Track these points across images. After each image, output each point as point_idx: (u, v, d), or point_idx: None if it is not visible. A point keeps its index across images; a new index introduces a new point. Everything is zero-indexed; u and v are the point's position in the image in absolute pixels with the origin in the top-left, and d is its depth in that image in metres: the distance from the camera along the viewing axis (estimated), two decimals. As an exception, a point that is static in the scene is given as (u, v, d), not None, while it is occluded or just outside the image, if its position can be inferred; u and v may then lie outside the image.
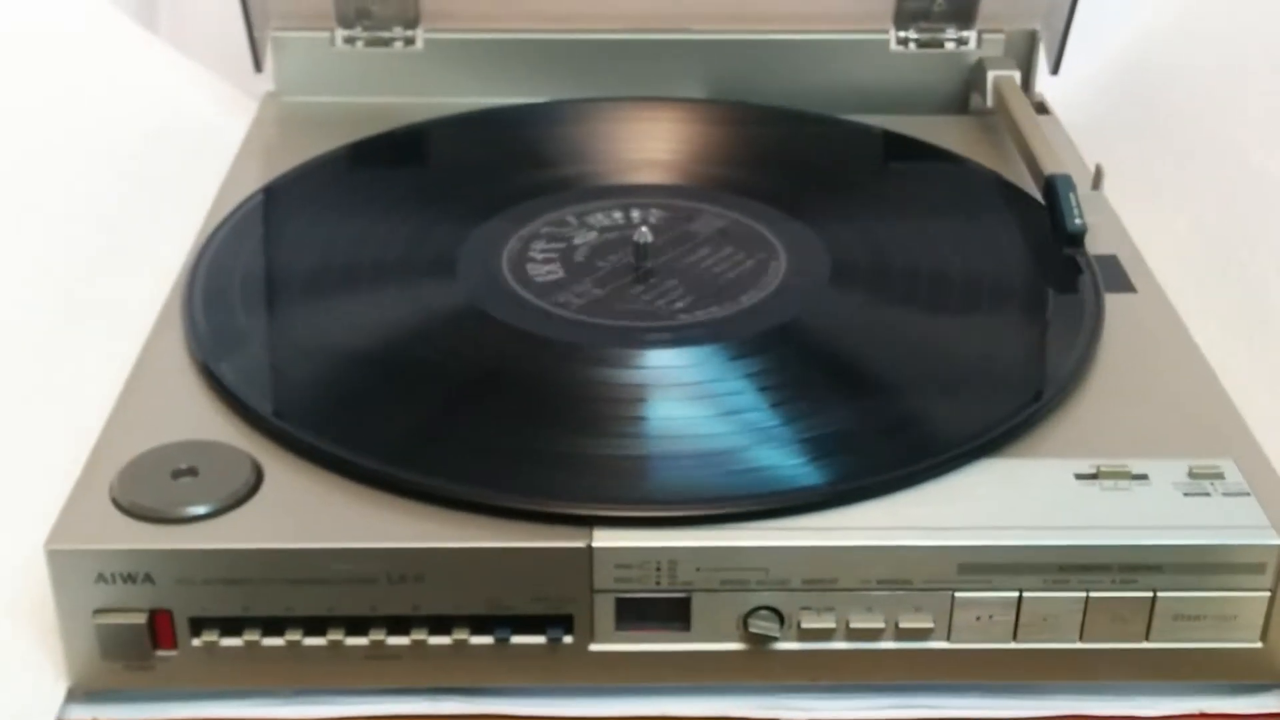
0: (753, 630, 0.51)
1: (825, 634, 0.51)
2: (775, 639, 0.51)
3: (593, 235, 0.68)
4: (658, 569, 0.50)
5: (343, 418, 0.55)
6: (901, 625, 0.51)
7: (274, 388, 0.58)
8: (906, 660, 0.52)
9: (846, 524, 0.51)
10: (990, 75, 0.82)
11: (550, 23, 0.84)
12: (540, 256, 0.66)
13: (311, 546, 0.49)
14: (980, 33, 0.84)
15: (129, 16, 0.87)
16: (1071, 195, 0.67)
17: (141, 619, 0.50)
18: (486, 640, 0.51)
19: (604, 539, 0.50)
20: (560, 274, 0.64)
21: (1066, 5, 0.82)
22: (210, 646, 0.51)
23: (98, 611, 0.50)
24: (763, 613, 0.51)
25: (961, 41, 0.84)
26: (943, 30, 0.84)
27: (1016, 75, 0.81)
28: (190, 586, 0.50)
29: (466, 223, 0.68)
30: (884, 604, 0.51)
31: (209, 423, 0.56)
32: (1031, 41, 0.84)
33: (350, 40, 0.84)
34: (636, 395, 0.57)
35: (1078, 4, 0.81)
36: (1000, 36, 0.84)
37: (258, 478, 0.52)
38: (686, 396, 0.57)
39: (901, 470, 0.52)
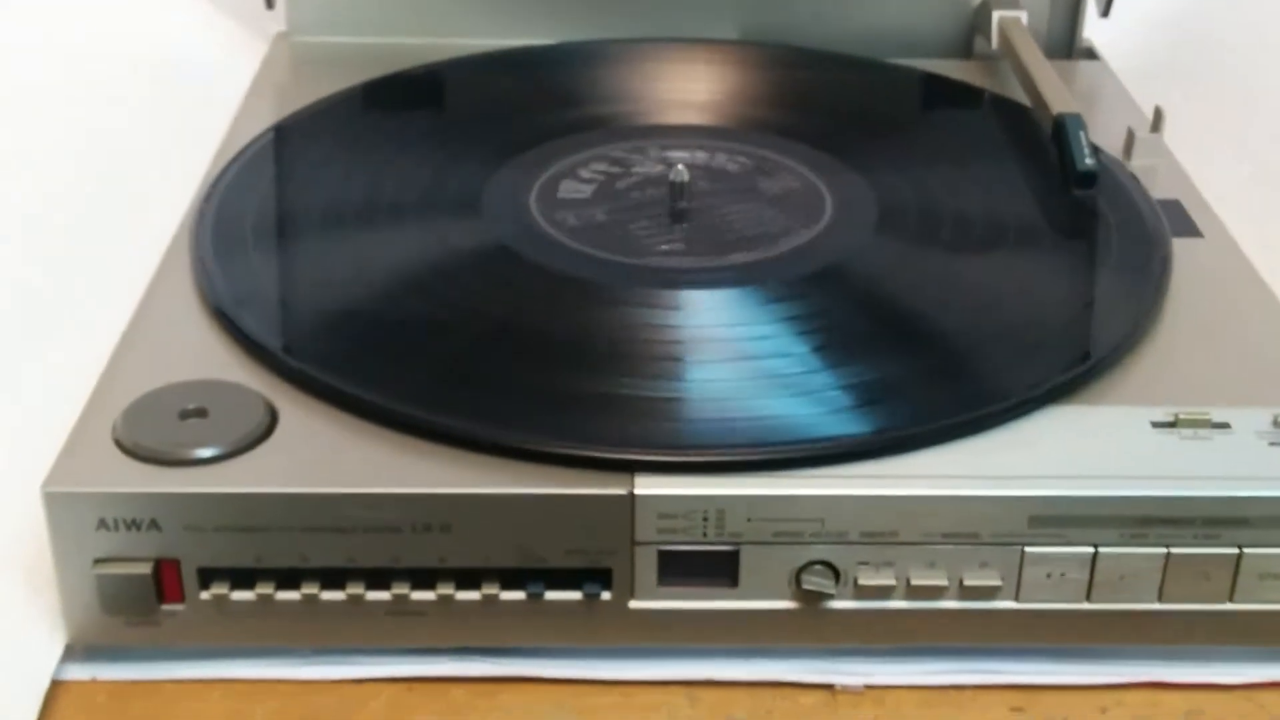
0: (806, 587, 0.47)
1: (884, 592, 0.47)
2: (830, 597, 0.47)
3: (628, 173, 0.64)
4: (704, 519, 0.46)
5: (363, 359, 0.51)
6: (966, 583, 0.47)
7: (289, 327, 0.54)
8: (971, 621, 0.48)
9: (908, 472, 0.47)
10: (995, 16, 0.78)
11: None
12: (572, 196, 0.62)
13: (330, 491, 0.46)
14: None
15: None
16: (1082, 134, 0.64)
17: (146, 569, 0.47)
18: (518, 596, 0.47)
19: (646, 486, 0.46)
20: (594, 213, 0.60)
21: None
22: (220, 600, 0.47)
23: (98, 561, 0.46)
24: (817, 568, 0.47)
25: (1001, -20, 0.79)
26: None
27: (1023, 15, 0.77)
28: (199, 534, 0.46)
29: (491, 161, 0.64)
30: (948, 560, 0.47)
31: (220, 363, 0.52)
32: (1077, -19, 0.80)
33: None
34: (679, 337, 0.53)
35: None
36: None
37: (272, 420, 0.49)
38: (735, 338, 0.53)
39: (965, 415, 0.48)
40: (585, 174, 0.64)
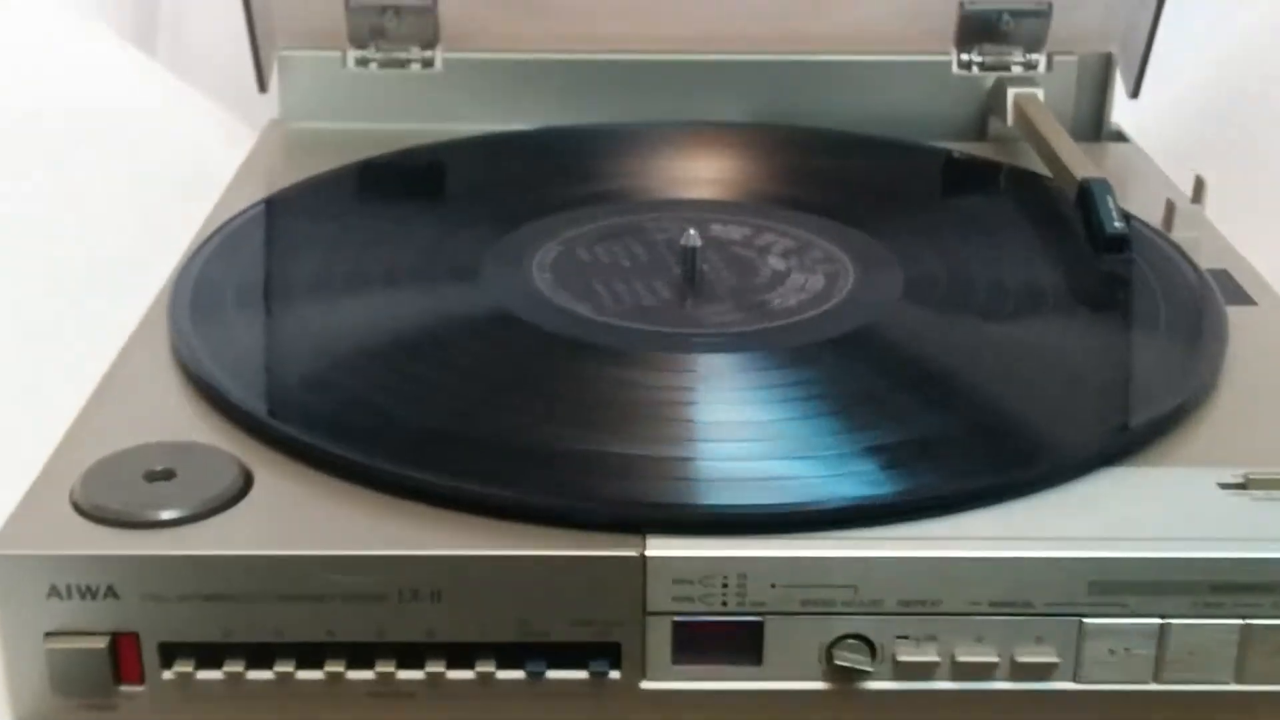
0: (838, 664, 0.42)
1: (926, 670, 0.42)
2: (866, 675, 0.42)
3: (640, 242, 0.60)
4: (724, 586, 0.41)
5: (347, 420, 0.47)
6: (1019, 659, 0.42)
7: (270, 389, 0.50)
8: (1025, 704, 0.43)
9: (952, 534, 0.42)
10: (1010, 93, 0.74)
11: (580, 44, 0.77)
12: (578, 261, 0.58)
13: (307, 554, 0.41)
14: (1051, 56, 0.77)
15: (126, 38, 0.80)
16: (1109, 198, 0.60)
17: (102, 644, 0.42)
18: (516, 675, 0.42)
19: (659, 547, 0.41)
20: (604, 278, 0.56)
21: (1147, 25, 0.75)
22: (184, 679, 0.42)
23: (50, 635, 0.42)
24: (850, 643, 0.42)
25: (1030, 65, 0.77)
26: (1010, 54, 0.77)
27: (1039, 92, 0.74)
28: (160, 604, 0.41)
29: (491, 232, 0.60)
30: (997, 633, 0.42)
31: (192, 427, 0.47)
32: (1106, 65, 0.77)
33: (363, 62, 0.77)
34: (694, 399, 0.49)
35: (1159, 24, 0.74)
36: (1073, 59, 0.77)
37: (246, 483, 0.44)
38: (755, 401, 0.48)
39: (1013, 476, 0.44)
40: (593, 244, 0.60)
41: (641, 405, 0.48)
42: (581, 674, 0.43)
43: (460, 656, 0.42)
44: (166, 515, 0.43)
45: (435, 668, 0.42)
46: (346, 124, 0.76)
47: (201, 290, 0.55)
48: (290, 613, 0.41)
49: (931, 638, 0.42)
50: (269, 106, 0.78)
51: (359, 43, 0.78)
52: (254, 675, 0.42)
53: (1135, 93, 0.76)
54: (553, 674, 0.43)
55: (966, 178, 0.72)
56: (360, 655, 0.42)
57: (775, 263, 0.58)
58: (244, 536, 0.42)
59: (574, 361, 0.51)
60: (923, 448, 0.46)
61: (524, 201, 0.64)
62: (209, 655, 0.42)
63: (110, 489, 0.43)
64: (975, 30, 0.78)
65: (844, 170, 0.70)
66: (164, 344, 0.53)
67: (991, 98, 0.77)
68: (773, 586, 0.42)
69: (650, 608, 0.42)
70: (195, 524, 0.42)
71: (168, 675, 0.42)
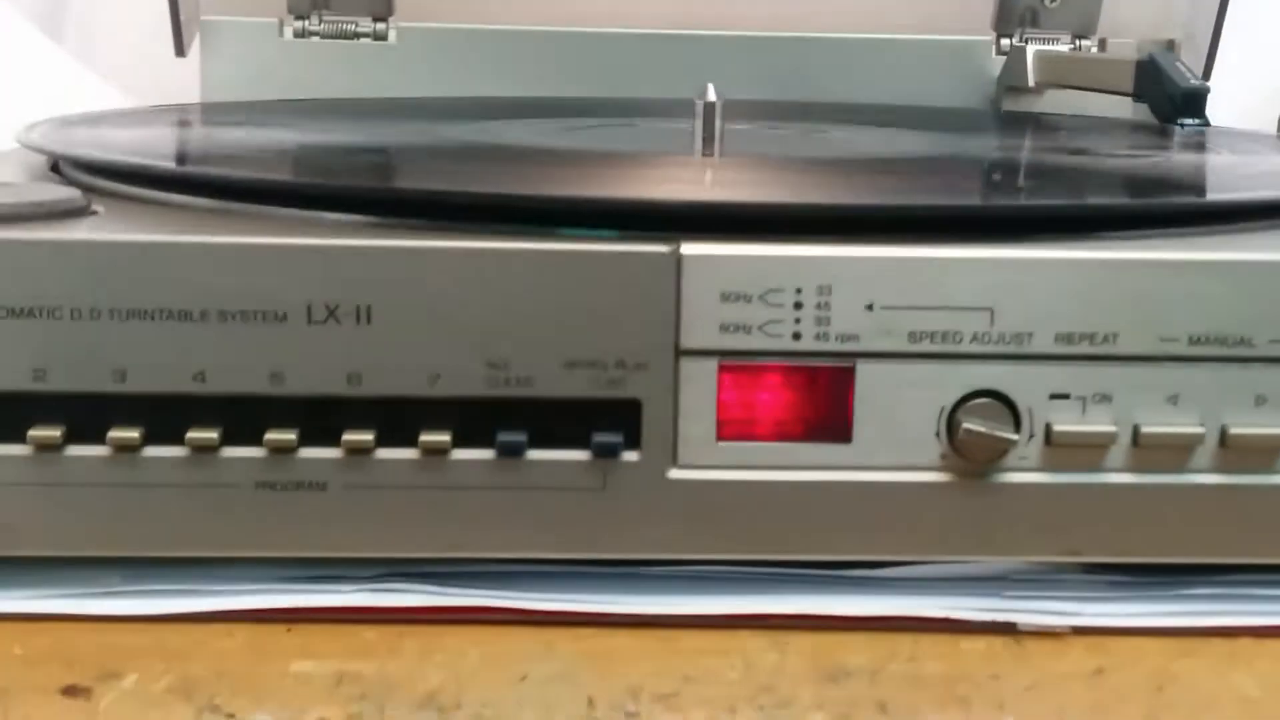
0: (965, 435, 0.27)
1: (1098, 445, 0.28)
2: (1004, 451, 0.28)
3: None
4: (796, 305, 0.27)
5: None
6: (1233, 432, 0.28)
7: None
8: (1244, 503, 0.28)
9: (1135, 240, 0.28)
10: (1030, 50, 0.64)
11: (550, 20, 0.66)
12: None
13: (170, 240, 0.27)
14: (1103, 40, 0.66)
15: (32, 22, 0.69)
16: (1178, 63, 0.49)
17: None
18: (480, 455, 0.27)
19: (701, 246, 0.27)
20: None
21: (1214, 10, 0.65)
22: (-29, 450, 0.27)
23: None
24: (983, 403, 0.28)
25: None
26: (1055, 38, 0.67)
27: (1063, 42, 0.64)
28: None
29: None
30: (1202, 389, 0.28)
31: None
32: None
33: (303, 33, 0.65)
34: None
35: (1227, 7, 0.65)
36: (1130, 43, 0.66)
37: (88, 204, 0.30)
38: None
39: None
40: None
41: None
42: (580, 454, 0.28)
43: (395, 424, 0.28)
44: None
45: (358, 437, 0.27)
46: (280, 99, 0.64)
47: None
48: (136, 342, 0.27)
49: (1104, 397, 0.28)
50: (190, 87, 0.66)
51: (299, 11, 0.67)
52: (77, 452, 0.28)
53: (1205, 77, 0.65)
54: (537, 454, 0.28)
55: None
56: (242, 420, 0.27)
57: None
58: (77, 231, 0.28)
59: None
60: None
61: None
62: (12, 414, 0.27)
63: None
64: (1017, 12, 0.68)
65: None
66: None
67: (1006, 73, 0.66)
68: (869, 309, 0.27)
69: (685, 343, 0.28)
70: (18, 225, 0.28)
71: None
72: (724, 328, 0.28)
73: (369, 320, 0.27)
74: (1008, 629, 0.29)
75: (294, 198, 0.30)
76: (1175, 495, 0.29)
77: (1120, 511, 0.29)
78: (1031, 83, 0.64)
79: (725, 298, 0.28)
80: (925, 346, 0.28)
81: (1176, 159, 0.42)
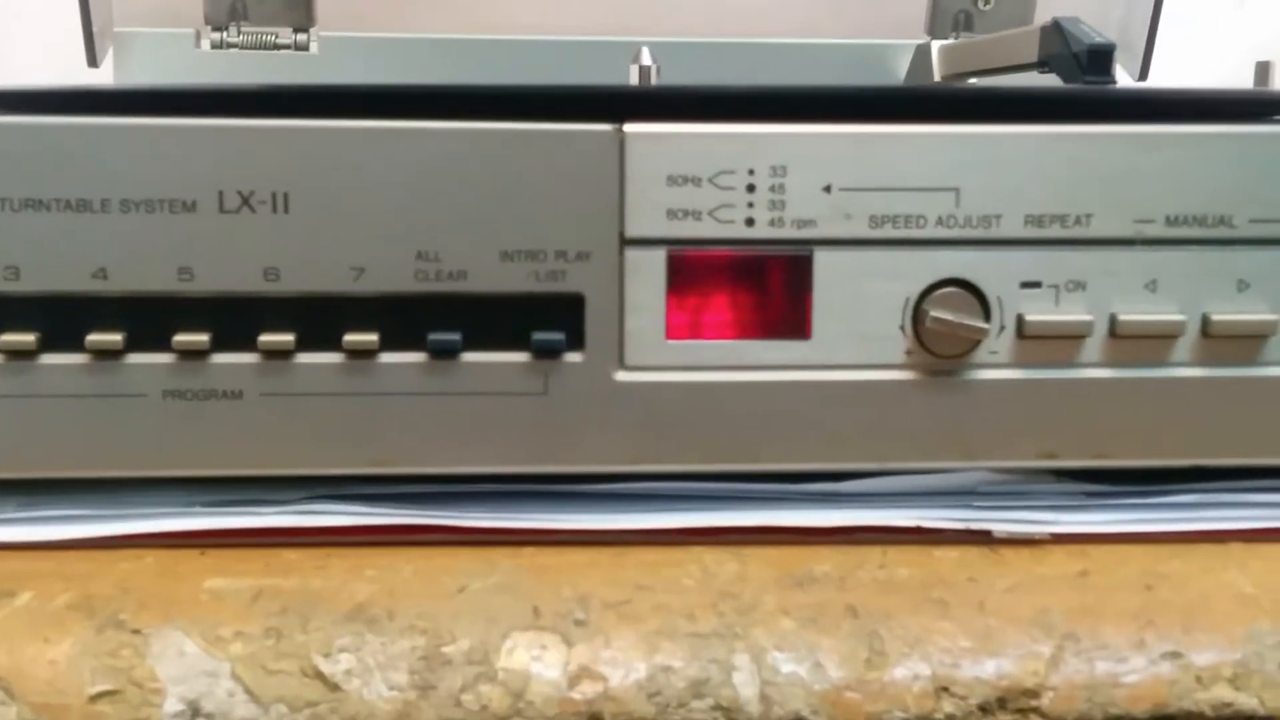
0: (933, 324, 0.26)
1: (1073, 336, 0.26)
2: (975, 343, 0.26)
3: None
4: (749, 188, 0.25)
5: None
6: (1215, 319, 0.26)
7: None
8: (1225, 393, 0.26)
9: (1102, 117, 0.26)
10: (934, 46, 0.63)
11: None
12: None
13: (62, 122, 0.24)
14: (1038, 42, 0.65)
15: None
16: (1083, 24, 0.48)
17: None
18: (409, 358, 0.25)
19: (644, 125, 0.25)
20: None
21: (1148, 13, 0.64)
22: None
23: None
24: (951, 293, 0.26)
25: (1014, 51, 0.65)
26: (990, 41, 0.66)
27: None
28: None
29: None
30: (1180, 273, 0.26)
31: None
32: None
33: (221, 45, 0.63)
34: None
35: (1161, 10, 0.64)
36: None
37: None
38: None
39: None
40: None
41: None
42: (519, 356, 0.26)
43: (317, 321, 0.25)
44: None
45: (275, 339, 0.25)
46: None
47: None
48: (30, 232, 0.24)
49: (1078, 284, 0.26)
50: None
51: (216, 23, 0.64)
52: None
53: (1143, 77, 0.65)
54: (472, 356, 0.26)
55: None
56: (147, 319, 0.25)
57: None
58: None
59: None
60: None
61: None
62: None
63: None
64: (950, 16, 0.67)
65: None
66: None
67: (913, 73, 0.65)
68: (826, 191, 0.26)
69: (630, 231, 0.26)
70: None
71: None
72: (671, 214, 0.26)
73: (286, 209, 0.25)
74: (982, 538, 0.27)
75: (207, 100, 0.27)
76: (1155, 390, 0.27)
77: (1098, 410, 0.27)
78: (938, 76, 0.63)
79: (672, 181, 0.26)
80: (888, 231, 0.26)
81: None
